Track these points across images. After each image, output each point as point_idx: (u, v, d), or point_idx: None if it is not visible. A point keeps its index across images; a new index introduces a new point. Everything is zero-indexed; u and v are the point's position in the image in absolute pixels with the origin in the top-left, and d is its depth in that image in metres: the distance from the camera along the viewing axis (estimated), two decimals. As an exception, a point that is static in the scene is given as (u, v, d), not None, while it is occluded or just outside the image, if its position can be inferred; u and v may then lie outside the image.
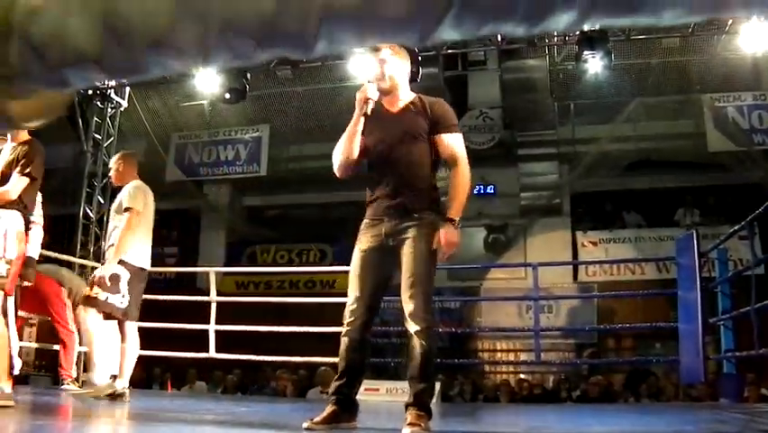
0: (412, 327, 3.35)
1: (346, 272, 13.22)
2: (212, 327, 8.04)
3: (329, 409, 3.43)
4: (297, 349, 8.61)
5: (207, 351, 8.02)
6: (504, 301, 12.39)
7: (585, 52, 9.71)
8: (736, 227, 6.73)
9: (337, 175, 3.66)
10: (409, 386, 3.40)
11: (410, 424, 3.23)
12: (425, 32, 1.20)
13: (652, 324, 9.83)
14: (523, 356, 11.90)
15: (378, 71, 3.60)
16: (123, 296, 5.25)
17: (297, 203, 15.53)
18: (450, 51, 11.04)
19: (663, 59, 11.94)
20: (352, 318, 3.51)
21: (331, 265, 13.65)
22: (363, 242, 3.57)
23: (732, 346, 6.93)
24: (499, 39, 10.44)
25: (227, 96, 11.06)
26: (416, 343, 3.35)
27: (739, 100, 11.92)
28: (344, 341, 3.51)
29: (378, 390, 8.06)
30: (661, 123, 12.61)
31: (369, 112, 3.54)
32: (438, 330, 3.45)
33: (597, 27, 9.42)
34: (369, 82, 3.60)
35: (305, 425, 3.27)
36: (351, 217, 17.34)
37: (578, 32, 9.77)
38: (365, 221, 3.62)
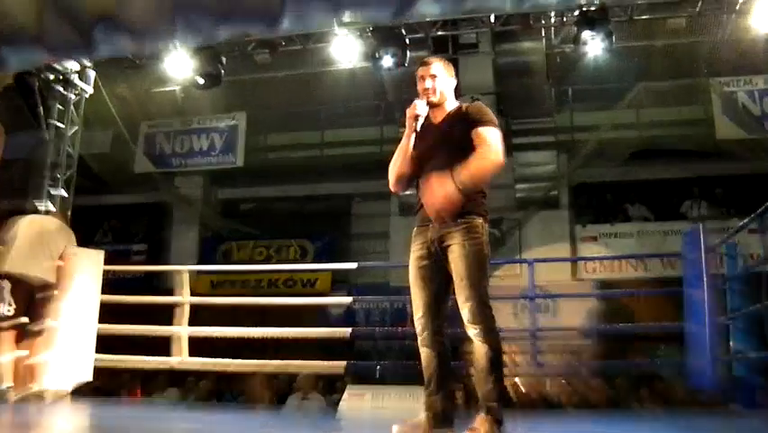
0: (471, 331, 3.61)
1: (328, 271, 13.28)
2: (184, 330, 7.98)
3: (422, 416, 3.67)
4: (275, 354, 8.57)
5: (179, 356, 7.94)
6: (497, 300, 12.35)
7: (584, 34, 9.67)
8: (746, 220, 6.72)
9: (392, 190, 4.02)
10: (477, 391, 3.65)
11: (469, 429, 3.49)
12: (403, 5, 1.12)
13: (657, 324, 9.82)
14: (518, 359, 11.85)
15: (429, 86, 3.87)
16: (10, 304, 5.90)
17: (276, 196, 15.48)
18: (440, 34, 10.98)
19: (669, 40, 11.89)
20: (421, 328, 3.75)
21: (312, 263, 13.61)
22: (414, 250, 3.84)
23: (743, 348, 6.93)
24: (492, 19, 10.39)
25: (201, 81, 10.98)
26: (478, 346, 3.60)
27: (750, 84, 11.92)
28: (423, 352, 3.76)
29: (363, 395, 7.99)
30: (666, 109, 12.60)
31: (418, 129, 3.83)
32: (497, 330, 3.67)
33: (596, 4, 9.43)
34: (418, 98, 3.87)
35: (395, 429, 3.57)
36: (333, 212, 17.40)
37: (577, 12, 9.74)
38: (414, 228, 3.89)
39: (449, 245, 3.67)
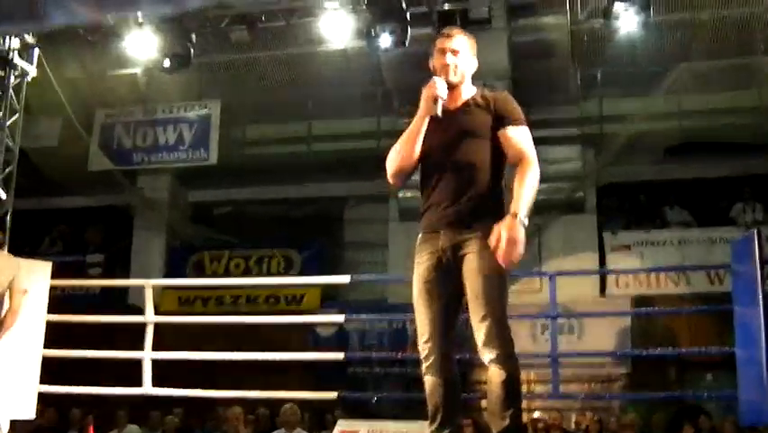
0: (486, 355, 3.55)
1: (317, 285, 13.18)
2: (147, 355, 7.93)
3: None
4: (255, 382, 8.52)
5: (141, 385, 7.88)
6: (513, 319, 12.26)
7: (616, 6, 9.65)
8: (810, 226, 6.62)
9: (390, 182, 3.90)
10: (491, 426, 3.58)
11: None
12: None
13: (701, 349, 9.74)
14: (538, 388, 11.82)
15: (450, 62, 3.77)
16: None
17: (256, 199, 15.49)
18: (447, 7, 10.92)
19: (718, 11, 11.82)
20: (428, 353, 3.69)
21: (298, 276, 13.53)
22: (420, 261, 3.76)
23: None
24: (509, -11, 10.33)
25: (167, 63, 10.88)
26: (494, 372, 3.55)
27: (819, 65, 11.89)
28: (428, 380, 3.71)
29: (356, 432, 7.91)
30: (713, 95, 12.62)
31: (438, 113, 3.69)
32: (516, 355, 3.62)
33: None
34: (437, 76, 3.74)
35: None
36: (323, 216, 17.30)
37: (607, -20, 9.68)
38: (420, 235, 3.80)
39: (465, 254, 3.62)
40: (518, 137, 3.68)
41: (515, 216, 3.45)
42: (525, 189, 3.56)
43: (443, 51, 3.78)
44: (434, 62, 3.80)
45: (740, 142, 12.37)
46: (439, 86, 3.69)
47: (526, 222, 3.48)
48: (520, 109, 3.76)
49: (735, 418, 8.41)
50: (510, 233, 3.41)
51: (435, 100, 3.67)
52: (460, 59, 3.78)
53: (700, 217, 13.45)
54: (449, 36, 3.81)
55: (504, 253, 3.40)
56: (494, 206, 3.67)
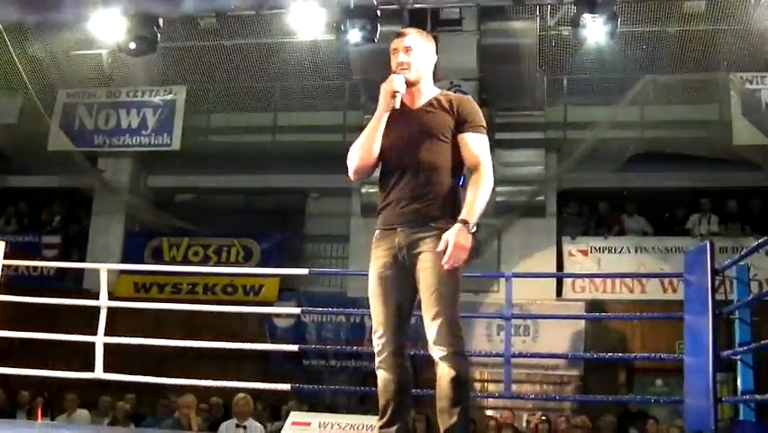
0: (436, 352, 3.61)
1: (276, 276, 13.14)
2: (99, 340, 7.80)
3: None
4: (210, 371, 8.47)
5: (92, 370, 7.78)
6: (469, 319, 12.35)
7: (584, 15, 9.68)
8: (762, 240, 6.72)
9: (352, 179, 3.96)
10: (439, 423, 3.62)
11: None
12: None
13: (652, 355, 9.86)
14: (490, 387, 11.88)
15: (404, 60, 3.84)
16: None
17: (218, 187, 15.33)
18: (417, 6, 10.91)
19: (684, 26, 11.95)
20: (381, 348, 3.74)
21: (257, 266, 13.48)
22: (376, 257, 3.81)
23: (751, 387, 6.92)
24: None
25: (133, 45, 10.73)
26: (443, 369, 3.59)
27: (777, 83, 12.01)
28: (380, 375, 3.76)
29: (308, 424, 7.88)
30: (675, 107, 12.66)
31: (397, 106, 3.76)
32: (466, 353, 3.70)
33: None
34: (395, 73, 3.82)
35: None
36: (285, 208, 17.22)
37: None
38: (376, 231, 3.86)
39: (420, 252, 3.66)
40: (477, 143, 3.77)
41: (465, 223, 3.56)
42: (479, 199, 3.65)
43: (396, 51, 3.86)
44: (391, 63, 3.87)
45: (700, 155, 12.45)
46: (396, 81, 3.76)
47: (474, 229, 3.59)
48: (482, 116, 3.85)
49: (681, 423, 8.50)
50: (458, 239, 3.51)
51: (394, 95, 3.74)
52: (414, 57, 3.83)
53: (658, 226, 13.52)
54: (400, 35, 3.90)
55: (449, 257, 3.51)
56: (452, 207, 3.72)
